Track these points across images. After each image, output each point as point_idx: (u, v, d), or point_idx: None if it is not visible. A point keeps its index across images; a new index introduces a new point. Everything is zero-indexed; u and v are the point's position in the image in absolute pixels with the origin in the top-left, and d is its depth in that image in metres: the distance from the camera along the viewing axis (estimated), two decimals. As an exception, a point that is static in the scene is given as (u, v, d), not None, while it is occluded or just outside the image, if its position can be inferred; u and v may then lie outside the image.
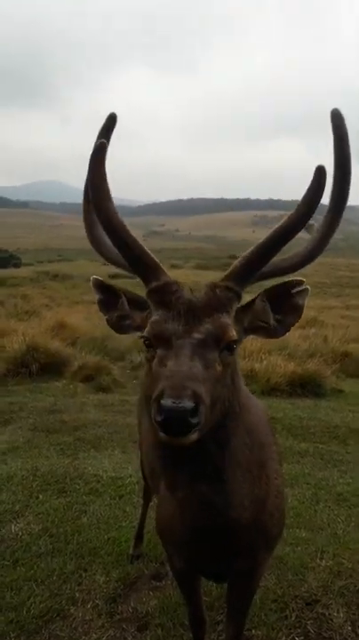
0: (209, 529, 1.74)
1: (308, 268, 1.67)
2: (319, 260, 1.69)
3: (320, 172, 1.55)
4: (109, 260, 1.83)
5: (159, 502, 2.13)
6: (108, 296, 1.71)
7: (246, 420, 1.69)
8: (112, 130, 1.88)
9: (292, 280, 1.59)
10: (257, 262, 1.58)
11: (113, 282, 1.76)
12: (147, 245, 1.64)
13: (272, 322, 1.61)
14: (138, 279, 1.63)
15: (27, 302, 19.30)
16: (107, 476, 4.58)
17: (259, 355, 8.75)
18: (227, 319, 1.48)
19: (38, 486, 4.36)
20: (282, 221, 1.58)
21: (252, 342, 8.68)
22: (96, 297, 1.72)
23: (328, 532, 3.73)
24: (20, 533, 3.62)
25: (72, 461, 4.96)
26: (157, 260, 1.61)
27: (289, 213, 1.59)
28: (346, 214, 1.65)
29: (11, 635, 2.69)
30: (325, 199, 1.64)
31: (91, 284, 1.72)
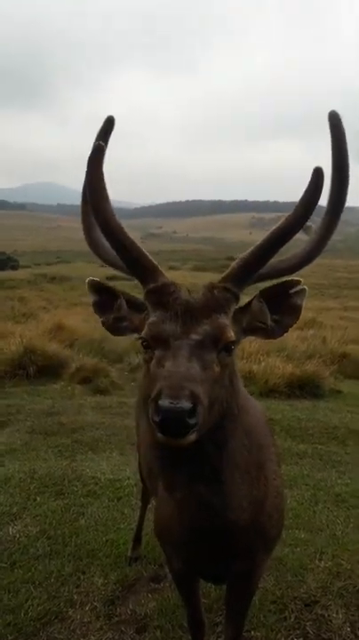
0: (207, 530, 1.73)
1: (306, 270, 1.68)
2: (317, 261, 1.69)
3: (317, 174, 1.55)
4: (107, 261, 1.83)
5: (157, 503, 2.13)
6: (105, 298, 1.70)
7: (245, 421, 1.69)
8: (110, 132, 1.89)
9: (290, 280, 1.60)
10: (254, 264, 1.59)
11: (110, 284, 1.76)
12: (145, 247, 1.64)
13: (269, 322, 1.61)
14: (135, 281, 1.64)
15: (24, 305, 19.28)
16: (105, 478, 4.57)
17: (257, 356, 8.76)
18: (225, 320, 1.48)
19: (36, 488, 4.35)
20: (279, 223, 1.59)
21: (251, 344, 8.69)
22: (91, 299, 1.72)
23: (327, 534, 3.73)
24: (18, 535, 3.61)
25: (70, 463, 4.96)
26: (155, 262, 1.61)
27: (287, 215, 1.60)
28: (344, 216, 1.66)
29: (9, 637, 2.68)
30: (323, 201, 1.65)
31: (86, 285, 1.71)
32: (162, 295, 1.51)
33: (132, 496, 4.16)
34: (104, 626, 2.79)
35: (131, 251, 1.61)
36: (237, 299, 1.57)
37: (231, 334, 1.47)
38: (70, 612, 2.88)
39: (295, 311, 1.61)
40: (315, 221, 1.68)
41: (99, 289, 1.70)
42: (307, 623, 2.79)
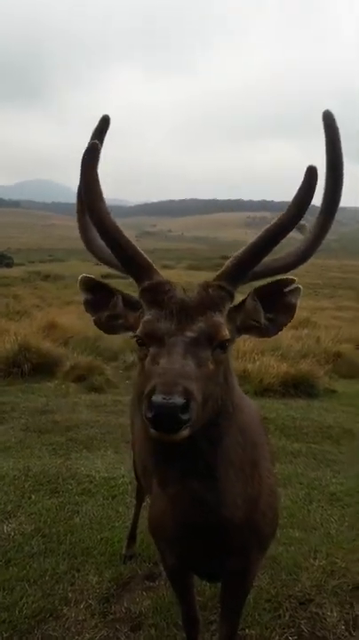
0: (200, 526, 1.74)
1: (300, 269, 1.68)
2: (311, 261, 1.70)
3: (310, 173, 1.56)
4: (102, 260, 1.83)
5: (152, 500, 2.13)
6: (100, 295, 1.69)
7: (239, 419, 1.69)
8: (105, 132, 1.89)
9: (284, 278, 1.60)
10: (248, 262, 1.59)
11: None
12: (140, 246, 1.64)
13: (263, 321, 1.61)
14: (130, 279, 1.64)
15: (18, 302, 19.18)
16: (100, 476, 4.57)
17: (251, 355, 8.76)
18: (220, 318, 1.49)
19: (30, 486, 4.34)
20: (272, 222, 1.60)
21: (245, 342, 8.70)
22: (83, 297, 1.69)
23: (321, 532, 3.75)
24: (13, 533, 3.61)
25: (64, 462, 4.95)
26: (150, 260, 1.61)
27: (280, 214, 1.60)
28: (337, 215, 1.66)
29: (4, 635, 2.68)
30: (317, 200, 1.65)
31: (78, 283, 1.67)
32: (157, 293, 1.52)
33: (127, 494, 4.17)
34: (99, 623, 2.79)
35: (126, 249, 1.61)
36: (232, 297, 1.58)
37: (226, 332, 1.48)
38: (65, 610, 2.88)
39: (289, 310, 1.61)
40: (309, 220, 1.68)
41: (93, 286, 1.69)
42: (302, 621, 2.80)
